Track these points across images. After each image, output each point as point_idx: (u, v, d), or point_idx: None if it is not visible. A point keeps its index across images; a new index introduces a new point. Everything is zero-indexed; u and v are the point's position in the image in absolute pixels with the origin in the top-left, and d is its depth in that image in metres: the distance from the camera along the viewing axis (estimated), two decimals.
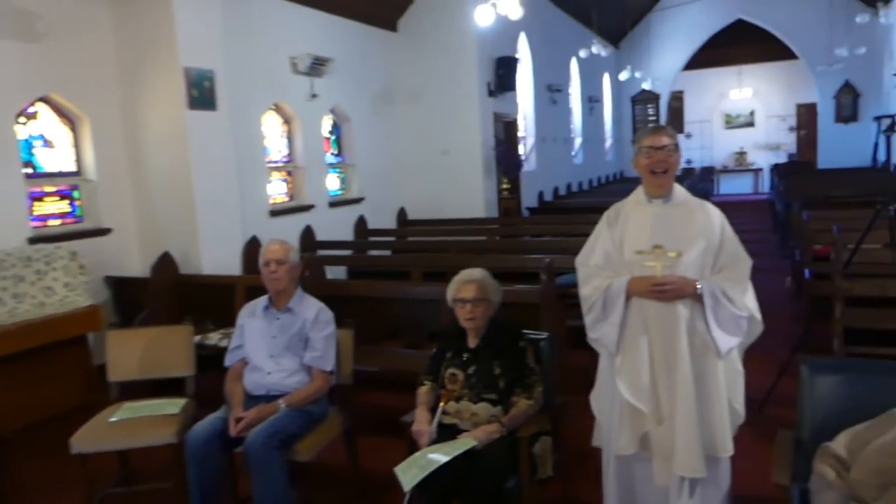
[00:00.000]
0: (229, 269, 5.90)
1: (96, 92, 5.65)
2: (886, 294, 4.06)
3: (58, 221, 5.55)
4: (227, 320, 4.65)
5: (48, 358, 4.61)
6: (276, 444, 2.84)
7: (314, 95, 8.04)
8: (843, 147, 16.06)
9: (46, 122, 5.52)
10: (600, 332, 2.54)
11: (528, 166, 11.96)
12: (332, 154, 8.92)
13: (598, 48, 13.85)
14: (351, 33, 8.86)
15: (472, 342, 2.90)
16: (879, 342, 4.12)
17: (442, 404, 2.78)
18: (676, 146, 2.51)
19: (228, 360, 3.29)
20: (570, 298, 3.48)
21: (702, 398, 2.42)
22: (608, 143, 18.72)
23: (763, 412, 4.02)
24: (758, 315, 2.48)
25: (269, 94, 7.44)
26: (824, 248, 5.62)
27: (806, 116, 18.57)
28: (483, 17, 7.98)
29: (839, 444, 2.12)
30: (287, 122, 7.97)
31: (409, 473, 2.43)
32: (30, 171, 5.37)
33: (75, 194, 5.70)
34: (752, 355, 2.73)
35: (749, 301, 2.45)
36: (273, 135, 7.78)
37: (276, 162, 7.83)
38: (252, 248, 6.08)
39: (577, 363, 3.87)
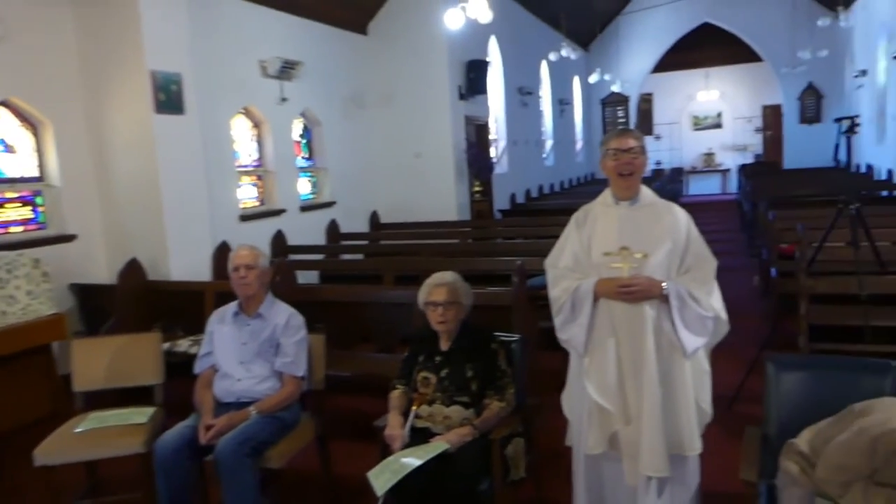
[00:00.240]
0: (198, 275, 5.81)
1: (59, 95, 5.54)
2: (849, 291, 4.14)
3: (20, 228, 5.42)
4: (196, 327, 4.57)
5: (11, 368, 4.49)
6: (247, 452, 2.81)
7: (284, 99, 7.98)
8: (808, 147, 16.43)
9: (7, 126, 5.39)
10: (569, 334, 2.57)
11: (500, 169, 12.02)
12: (302, 158, 8.86)
13: (568, 51, 14.02)
14: (321, 36, 8.82)
15: (444, 345, 2.91)
16: (843, 338, 4.20)
17: (414, 408, 2.78)
18: (643, 149, 2.54)
19: (198, 368, 3.25)
20: (542, 300, 3.50)
21: (669, 398, 2.45)
22: (579, 144, 18.92)
23: (732, 410, 4.09)
24: (723, 315, 2.51)
25: (238, 97, 7.36)
26: (790, 247, 5.73)
27: (771, 118, 18.94)
28: (453, 21, 7.99)
29: (803, 440, 2.16)
30: (257, 125, 7.89)
31: (382, 478, 2.43)
32: None
33: (38, 200, 5.57)
34: (721, 353, 2.77)
35: (715, 301, 2.48)
36: (243, 139, 7.70)
37: (246, 166, 7.75)
38: (222, 253, 6.01)
39: (549, 364, 3.90)
